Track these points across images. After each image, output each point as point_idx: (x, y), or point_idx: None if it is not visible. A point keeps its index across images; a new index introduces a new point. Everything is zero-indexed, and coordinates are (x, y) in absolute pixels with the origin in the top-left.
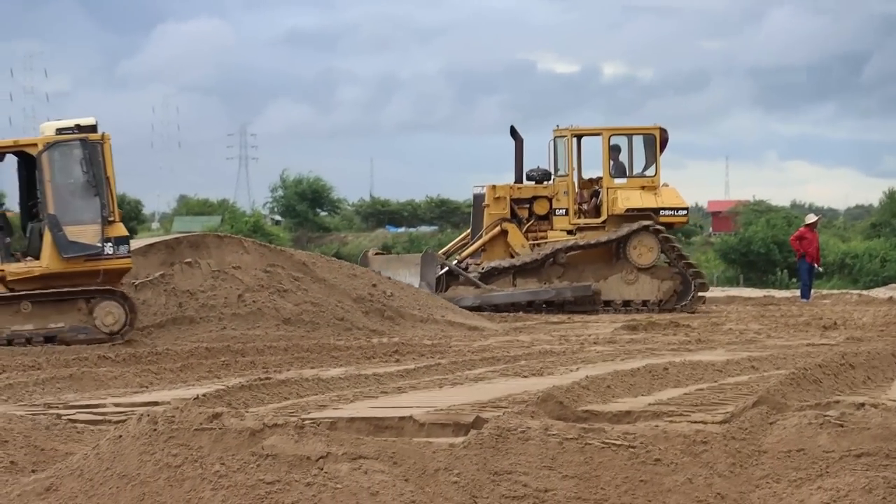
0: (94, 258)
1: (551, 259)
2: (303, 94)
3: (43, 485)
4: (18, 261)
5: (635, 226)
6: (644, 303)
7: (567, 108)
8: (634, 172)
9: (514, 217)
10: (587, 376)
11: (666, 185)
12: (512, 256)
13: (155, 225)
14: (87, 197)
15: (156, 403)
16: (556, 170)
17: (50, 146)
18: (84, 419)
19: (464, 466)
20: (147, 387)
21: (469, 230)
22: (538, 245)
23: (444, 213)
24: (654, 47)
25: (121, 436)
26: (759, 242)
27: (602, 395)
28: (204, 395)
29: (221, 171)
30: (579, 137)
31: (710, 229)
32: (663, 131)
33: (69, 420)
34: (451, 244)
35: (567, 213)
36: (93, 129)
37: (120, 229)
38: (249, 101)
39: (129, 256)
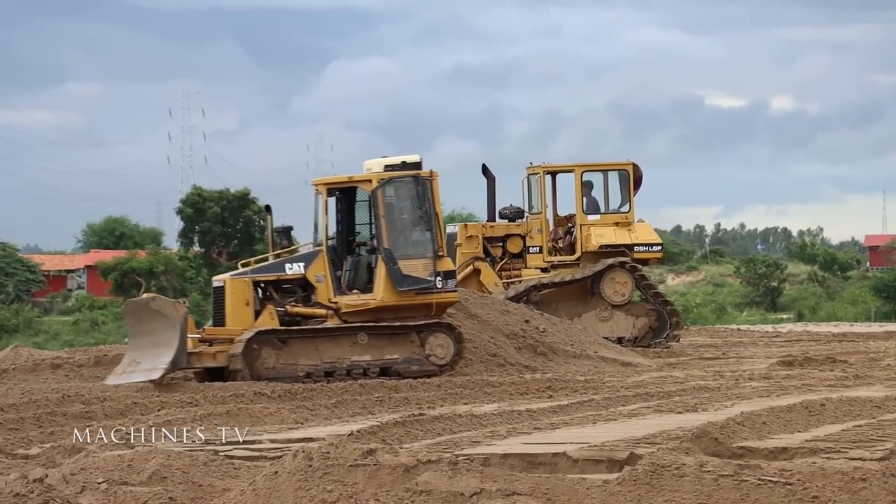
0: (426, 291)
1: (525, 297)
2: (469, 129)
3: None
4: (346, 294)
5: (609, 262)
6: (619, 340)
7: (734, 142)
8: (610, 209)
9: (488, 255)
10: (742, 412)
11: (641, 220)
12: None
13: None
14: (419, 232)
15: (311, 440)
16: (530, 207)
17: (384, 183)
18: (241, 455)
19: (618, 503)
20: (302, 423)
21: None
22: (511, 283)
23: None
24: (821, 81)
25: (277, 472)
26: None
27: (758, 431)
28: (358, 432)
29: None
30: (553, 175)
31: (868, 264)
32: (636, 168)
33: (226, 456)
34: None
35: (541, 251)
36: (418, 165)
37: (447, 263)
38: (415, 137)
39: (455, 290)
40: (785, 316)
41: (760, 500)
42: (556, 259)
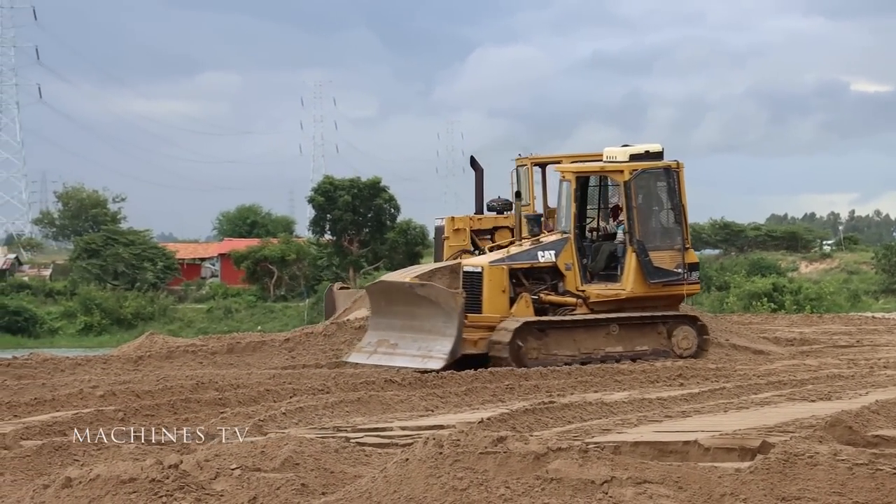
0: (673, 283)
1: None
2: (610, 116)
3: None
4: (591, 282)
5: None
6: None
7: (877, 129)
8: None
9: (476, 248)
10: (877, 401)
11: None
12: None
13: None
14: (668, 223)
15: (441, 427)
16: (519, 199)
17: (637, 174)
18: (372, 442)
19: (750, 492)
20: (432, 410)
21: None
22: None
23: (729, 237)
24: None
25: (407, 459)
26: None
27: (893, 419)
28: (488, 419)
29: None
30: (542, 166)
31: None
32: None
33: (357, 443)
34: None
35: None
36: (660, 155)
37: (692, 256)
38: (556, 124)
39: (698, 283)
40: None
41: None
42: None
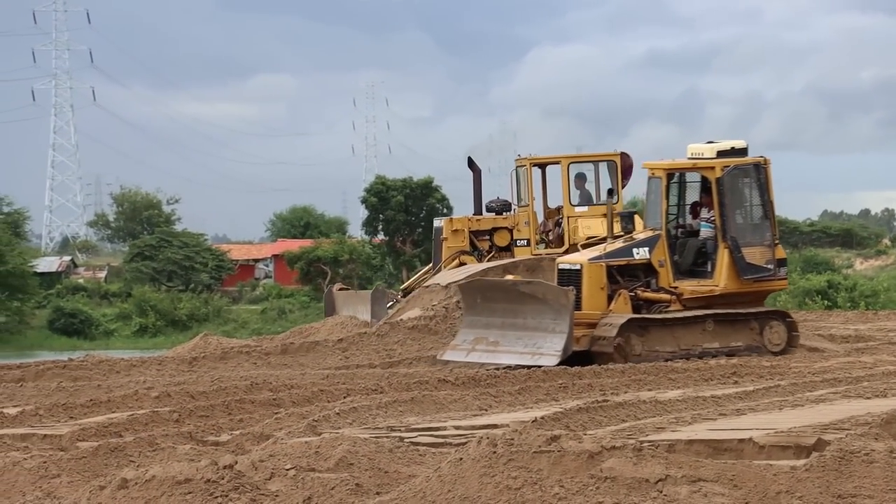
0: (765, 279)
1: None
2: (667, 114)
3: None
4: (682, 278)
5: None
6: None
7: None
8: (601, 200)
9: (475, 249)
10: None
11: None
12: None
13: None
14: (758, 220)
15: (495, 426)
16: (519, 199)
17: (729, 170)
18: (426, 442)
19: (806, 489)
20: (486, 409)
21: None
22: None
23: (783, 233)
24: None
25: (461, 458)
26: None
27: None
28: (542, 418)
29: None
30: (541, 166)
31: None
32: (625, 157)
33: (411, 443)
34: (413, 278)
35: (528, 244)
36: (745, 151)
37: (781, 251)
38: (612, 122)
39: (785, 278)
40: None
41: None
42: (544, 252)
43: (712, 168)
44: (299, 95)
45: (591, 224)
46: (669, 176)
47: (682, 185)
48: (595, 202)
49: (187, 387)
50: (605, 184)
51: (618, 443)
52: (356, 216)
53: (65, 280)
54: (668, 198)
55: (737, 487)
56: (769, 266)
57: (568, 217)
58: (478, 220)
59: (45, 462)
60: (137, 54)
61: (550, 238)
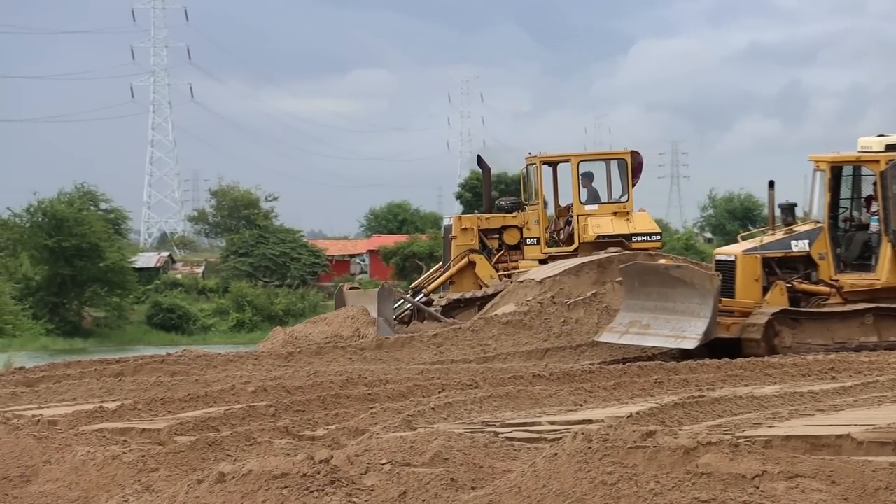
0: None
1: None
2: (770, 108)
3: (482, 501)
4: (845, 272)
5: (603, 254)
6: None
7: None
8: (612, 198)
9: (484, 248)
10: None
11: (642, 210)
12: (480, 288)
13: None
14: None
15: (590, 421)
16: (528, 198)
17: (893, 164)
18: (520, 437)
19: None
20: (581, 405)
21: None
22: (508, 276)
23: None
24: None
25: (556, 454)
26: None
27: None
28: (637, 414)
29: (653, 189)
30: (552, 165)
31: None
32: (636, 155)
33: (506, 438)
34: (423, 277)
35: (538, 242)
36: None
37: None
38: (715, 116)
39: None
40: None
41: None
42: (554, 250)
43: (877, 161)
44: (395, 91)
45: (600, 222)
46: (833, 169)
47: (857, 178)
48: (602, 200)
49: (283, 382)
50: (616, 182)
51: (714, 438)
52: (451, 212)
53: (163, 276)
54: (831, 190)
55: (835, 484)
56: None
57: (578, 215)
58: (487, 218)
59: (143, 456)
60: (234, 50)
61: (560, 237)
